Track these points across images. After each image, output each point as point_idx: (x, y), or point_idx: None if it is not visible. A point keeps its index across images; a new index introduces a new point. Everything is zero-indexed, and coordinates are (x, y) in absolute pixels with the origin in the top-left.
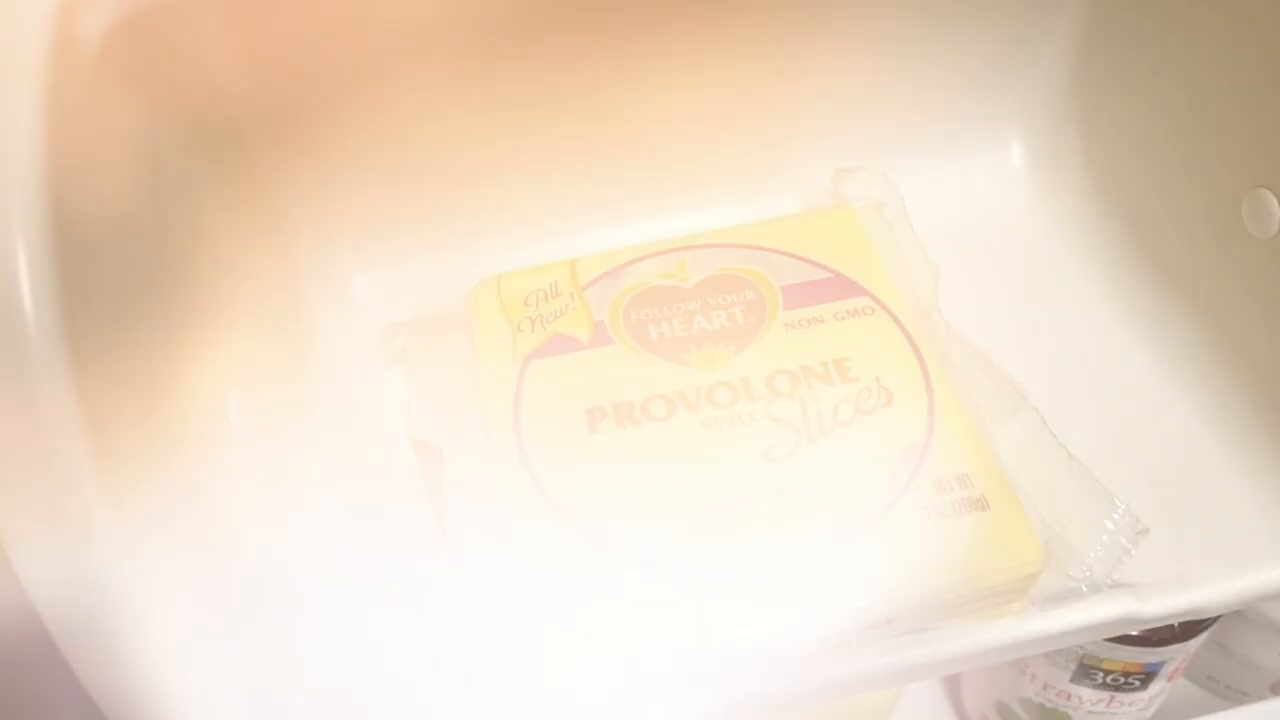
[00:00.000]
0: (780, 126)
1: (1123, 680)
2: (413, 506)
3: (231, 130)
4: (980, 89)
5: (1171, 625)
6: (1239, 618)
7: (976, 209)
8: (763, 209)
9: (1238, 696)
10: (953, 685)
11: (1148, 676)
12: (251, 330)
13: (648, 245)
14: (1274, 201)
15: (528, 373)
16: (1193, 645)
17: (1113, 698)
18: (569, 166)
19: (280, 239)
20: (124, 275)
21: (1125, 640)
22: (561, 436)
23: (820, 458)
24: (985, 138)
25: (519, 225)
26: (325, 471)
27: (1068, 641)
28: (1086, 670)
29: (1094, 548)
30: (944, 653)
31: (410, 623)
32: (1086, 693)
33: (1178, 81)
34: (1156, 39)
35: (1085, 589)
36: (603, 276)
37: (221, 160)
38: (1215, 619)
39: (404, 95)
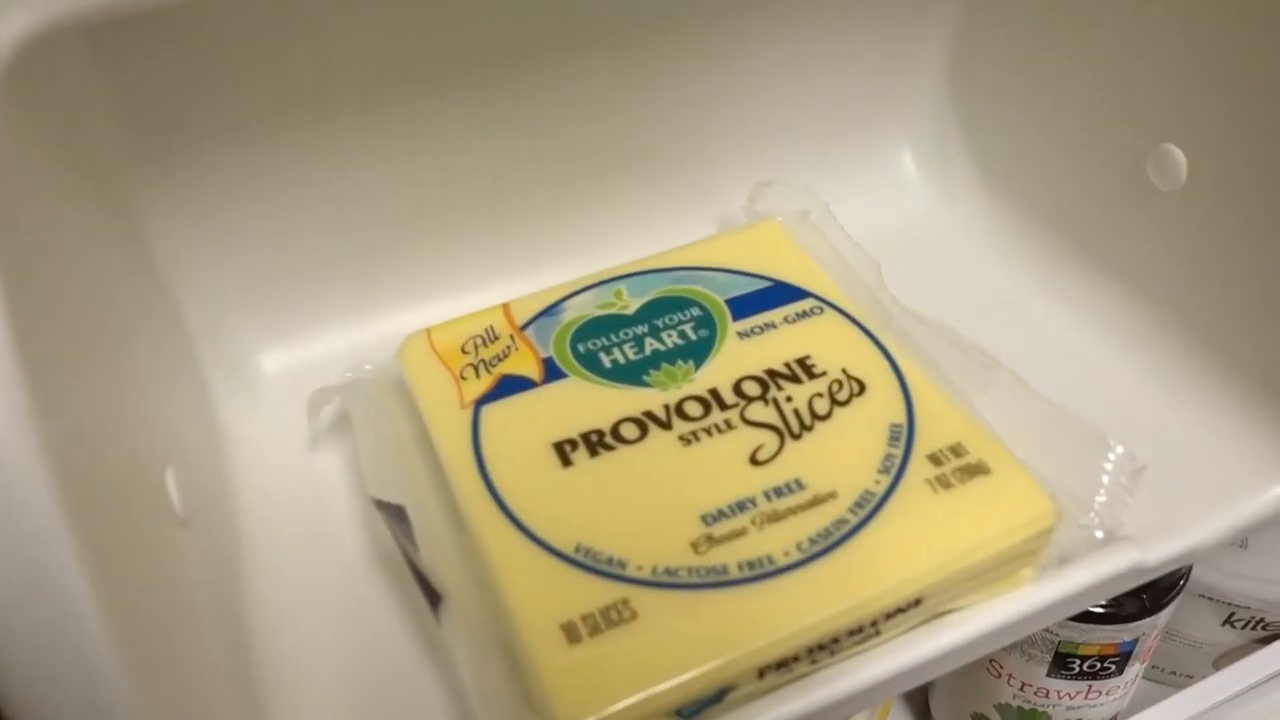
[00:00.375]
0: (690, 156)
1: (1099, 665)
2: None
3: (110, 183)
4: (865, 109)
5: (1142, 599)
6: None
7: (878, 219)
8: (684, 235)
9: (1184, 681)
10: (920, 707)
11: (1123, 659)
12: (174, 411)
13: (579, 280)
14: (1179, 154)
15: (482, 417)
16: (1163, 618)
17: (1090, 687)
18: (480, 216)
19: (174, 312)
20: (60, 331)
21: (1099, 620)
22: (533, 474)
23: (809, 451)
24: (878, 153)
25: (431, 280)
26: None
27: (1081, 603)
28: (1063, 660)
29: (1098, 492)
30: (972, 633)
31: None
32: (1064, 685)
33: (1060, 68)
34: (1028, 37)
35: (1100, 535)
36: (539, 315)
37: (105, 216)
38: (1181, 591)
39: (289, 150)
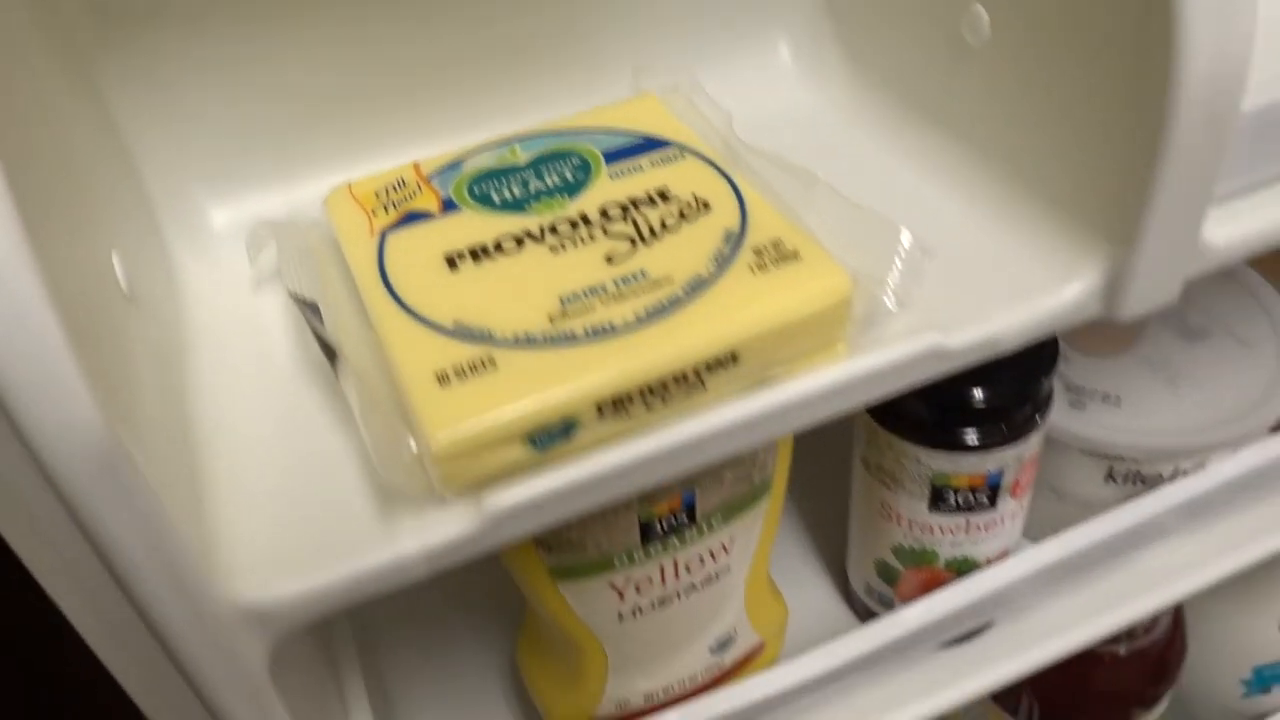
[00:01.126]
0: (585, 46)
1: (973, 498)
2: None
3: (75, 53)
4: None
5: (1001, 428)
6: (1058, 451)
7: (754, 104)
8: (576, 109)
9: None
10: (839, 574)
11: (993, 490)
12: (130, 246)
13: (481, 142)
14: (983, 12)
15: (387, 241)
16: (1025, 450)
17: (969, 521)
18: (402, 94)
19: (130, 167)
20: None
21: (963, 449)
22: (425, 276)
23: (655, 252)
24: (755, 42)
25: (358, 148)
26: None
27: (891, 381)
28: (939, 494)
29: (892, 272)
30: (788, 396)
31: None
32: (945, 520)
33: None
34: None
35: (894, 307)
36: (444, 168)
37: (71, 80)
38: (1038, 428)
39: (236, 30)
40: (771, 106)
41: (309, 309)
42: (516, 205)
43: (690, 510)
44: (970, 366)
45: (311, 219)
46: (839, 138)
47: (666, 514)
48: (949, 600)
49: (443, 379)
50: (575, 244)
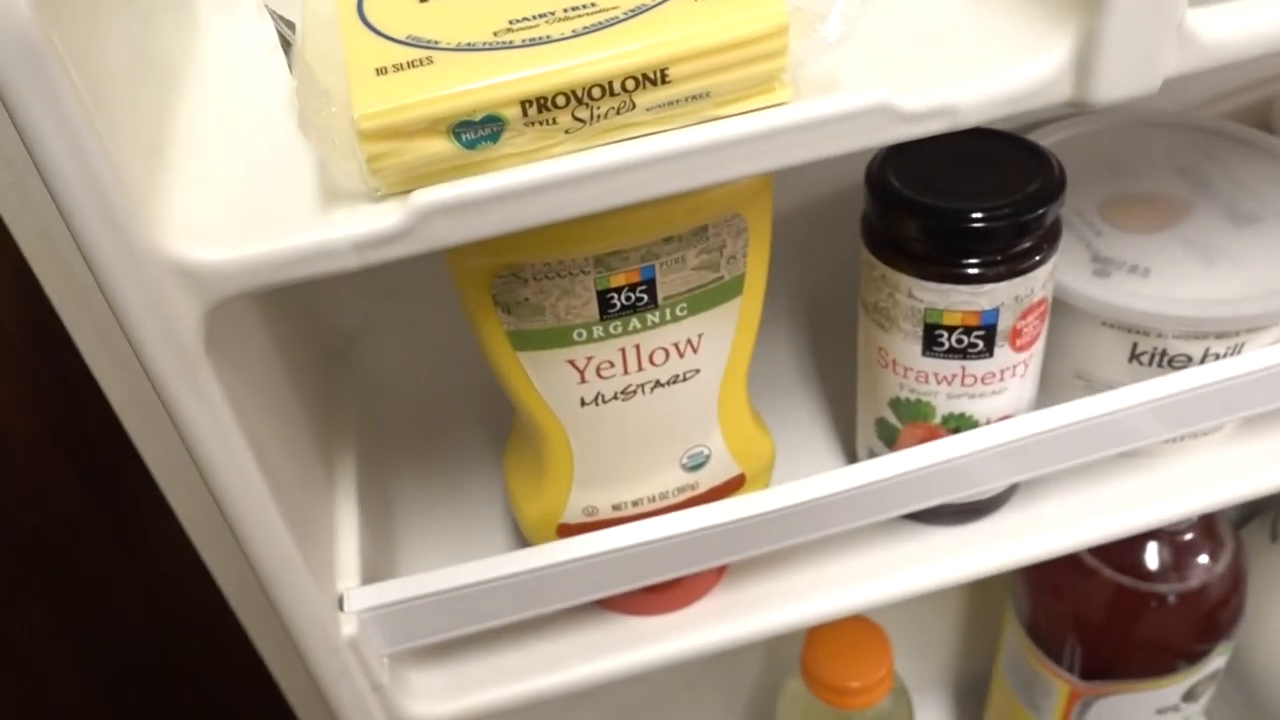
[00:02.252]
0: None
1: (966, 341)
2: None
3: None
4: None
5: (996, 260)
6: (1079, 324)
7: None
8: None
9: None
10: (848, 437)
11: (988, 333)
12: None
13: None
14: None
15: None
16: (1024, 291)
17: (964, 369)
18: None
19: None
20: None
21: (955, 279)
22: (396, 7)
23: None
24: None
25: None
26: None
27: (838, 135)
28: (932, 334)
29: (831, 9)
30: (727, 132)
31: None
32: (939, 366)
33: None
34: None
35: (832, 39)
36: None
37: None
38: (1040, 261)
39: None
40: None
41: (283, 22)
42: None
43: (650, 288)
44: (928, 134)
45: None
46: None
47: (625, 286)
48: (939, 451)
49: (381, 71)
50: None
